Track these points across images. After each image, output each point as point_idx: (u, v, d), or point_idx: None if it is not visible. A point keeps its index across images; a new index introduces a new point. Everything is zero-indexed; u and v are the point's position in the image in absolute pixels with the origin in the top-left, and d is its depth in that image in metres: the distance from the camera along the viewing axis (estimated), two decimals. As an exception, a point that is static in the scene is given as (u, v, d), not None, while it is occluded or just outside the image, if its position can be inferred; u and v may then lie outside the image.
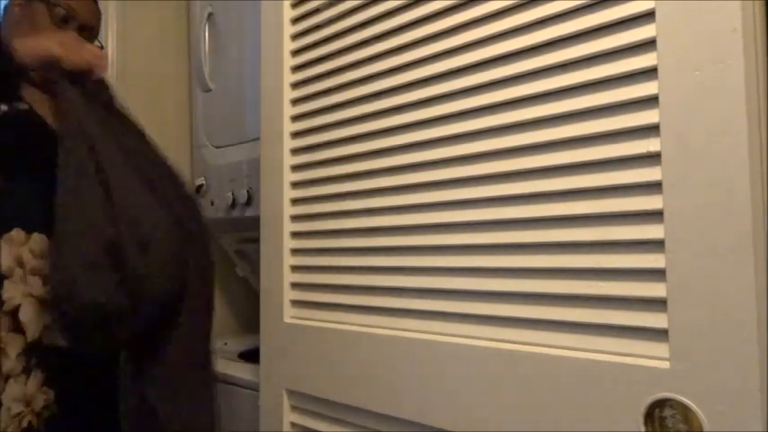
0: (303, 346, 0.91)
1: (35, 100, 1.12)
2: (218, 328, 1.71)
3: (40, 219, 1.03)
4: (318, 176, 0.91)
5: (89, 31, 1.18)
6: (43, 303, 1.04)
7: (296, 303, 0.95)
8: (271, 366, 0.97)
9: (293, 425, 0.93)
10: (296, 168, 0.96)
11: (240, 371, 1.22)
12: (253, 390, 1.08)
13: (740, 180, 0.50)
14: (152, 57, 1.62)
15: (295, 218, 0.95)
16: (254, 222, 1.04)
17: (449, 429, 0.70)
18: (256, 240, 1.02)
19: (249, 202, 1.38)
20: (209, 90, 1.55)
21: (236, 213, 1.43)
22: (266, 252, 0.99)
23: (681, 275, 0.53)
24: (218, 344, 1.53)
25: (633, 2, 0.57)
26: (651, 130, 0.56)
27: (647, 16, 0.56)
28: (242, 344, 1.51)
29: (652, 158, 0.56)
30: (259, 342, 1.00)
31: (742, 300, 0.50)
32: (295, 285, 0.95)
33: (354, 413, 0.82)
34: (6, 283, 1.02)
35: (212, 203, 1.50)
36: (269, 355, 0.97)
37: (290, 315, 0.95)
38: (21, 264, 1.03)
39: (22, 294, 1.03)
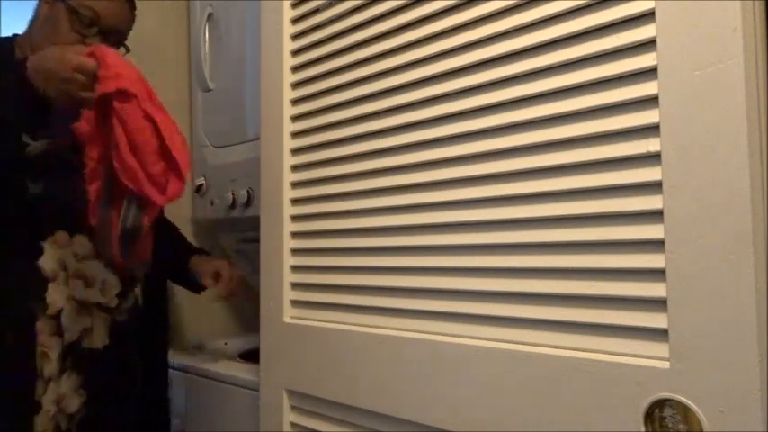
0: (303, 346, 0.90)
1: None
2: (218, 328, 1.71)
3: (83, 221, 1.05)
4: (318, 176, 0.91)
5: (115, 35, 1.13)
6: (84, 306, 1.06)
7: (296, 303, 0.95)
8: (271, 366, 0.97)
9: (293, 425, 0.93)
10: (296, 168, 0.96)
11: (240, 371, 1.22)
12: (253, 390, 1.08)
13: (740, 180, 0.50)
14: (152, 57, 1.62)
15: (295, 218, 0.95)
16: (254, 222, 1.04)
17: (449, 429, 0.70)
18: (256, 240, 1.02)
19: (249, 202, 1.38)
20: (209, 90, 1.55)
21: (236, 213, 1.43)
22: (266, 252, 0.98)
23: (681, 275, 0.53)
24: (218, 344, 1.53)
25: (633, 2, 0.57)
26: (651, 130, 0.56)
27: (647, 16, 0.56)
28: (242, 344, 1.51)
29: (652, 158, 0.56)
30: (259, 342, 0.99)
31: (742, 300, 0.50)
32: (295, 285, 0.95)
33: (354, 413, 0.82)
34: (50, 285, 1.03)
35: (212, 203, 1.50)
36: (269, 355, 0.97)
37: (290, 315, 0.94)
38: (64, 267, 1.05)
39: (66, 298, 1.04)
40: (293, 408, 0.93)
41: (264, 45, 1.01)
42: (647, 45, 0.56)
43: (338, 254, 0.88)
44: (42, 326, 1.02)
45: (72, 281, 1.05)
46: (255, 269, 1.17)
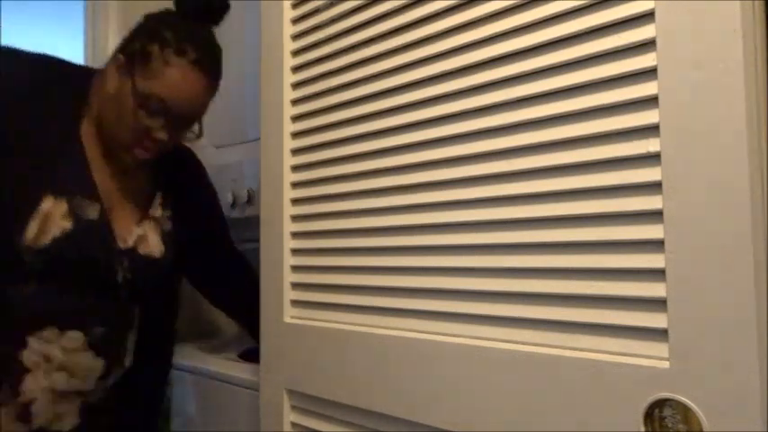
0: (303, 346, 0.91)
1: (111, 189, 1.08)
2: (218, 328, 1.71)
3: (78, 317, 1.04)
4: (318, 176, 0.91)
5: (186, 121, 1.06)
6: (63, 396, 1.04)
7: (296, 303, 0.95)
8: (271, 366, 0.97)
9: (293, 425, 0.93)
10: (296, 168, 0.96)
11: (240, 371, 1.22)
12: (253, 390, 1.08)
13: (740, 180, 0.50)
14: (152, 57, 1.61)
15: (295, 218, 0.95)
16: (254, 222, 1.04)
17: (449, 429, 0.70)
18: (256, 240, 1.02)
19: (249, 202, 1.38)
20: (209, 90, 1.54)
21: (236, 213, 1.43)
22: (266, 252, 0.99)
23: (681, 275, 0.53)
24: (218, 344, 1.53)
25: (633, 2, 0.57)
26: (651, 130, 0.56)
27: (647, 16, 0.57)
28: (242, 344, 1.51)
29: (652, 158, 0.56)
30: (259, 342, 1.00)
31: (742, 300, 0.50)
32: (295, 285, 0.95)
33: (354, 413, 0.82)
34: (28, 377, 1.01)
35: (212, 203, 1.50)
36: (269, 355, 0.97)
37: (290, 315, 0.95)
38: (48, 359, 1.02)
39: (41, 389, 1.02)
40: (293, 408, 0.93)
41: (264, 45, 1.01)
42: (647, 45, 0.56)
43: (338, 254, 0.88)
44: (7, 411, 0.99)
45: (55, 373, 1.03)
46: (255, 269, 1.17)
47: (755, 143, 0.51)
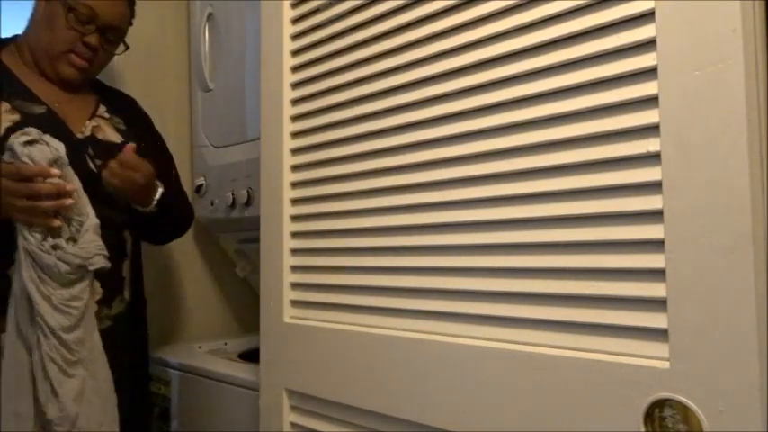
0: (303, 346, 0.91)
1: (56, 100, 1.13)
2: (218, 328, 1.71)
3: None
4: (318, 176, 0.91)
5: (113, 31, 1.17)
6: None
7: (296, 303, 0.95)
8: (271, 366, 0.97)
9: (293, 425, 0.93)
10: (296, 168, 0.96)
11: (240, 371, 1.22)
12: (253, 390, 1.08)
13: (740, 180, 0.50)
14: (152, 57, 1.62)
15: (295, 218, 0.95)
16: (254, 222, 1.04)
17: (448, 429, 0.70)
18: (256, 240, 1.02)
19: (249, 202, 1.38)
20: (209, 90, 1.55)
21: (236, 213, 1.43)
22: (266, 252, 0.99)
23: (681, 275, 0.53)
24: (218, 344, 1.53)
25: (633, 2, 0.57)
26: (651, 130, 0.56)
27: (647, 16, 0.56)
28: (242, 344, 1.51)
29: (652, 158, 0.56)
30: (259, 342, 1.00)
31: (742, 300, 0.50)
32: (295, 285, 0.95)
33: (354, 413, 0.82)
34: None
35: (212, 203, 1.50)
36: (269, 355, 0.97)
37: (290, 315, 0.94)
38: None
39: None
40: (293, 408, 0.93)
41: (264, 45, 1.01)
42: (647, 45, 0.56)
43: (338, 254, 0.88)
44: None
45: None
46: (255, 269, 1.17)
47: (756, 143, 0.51)
